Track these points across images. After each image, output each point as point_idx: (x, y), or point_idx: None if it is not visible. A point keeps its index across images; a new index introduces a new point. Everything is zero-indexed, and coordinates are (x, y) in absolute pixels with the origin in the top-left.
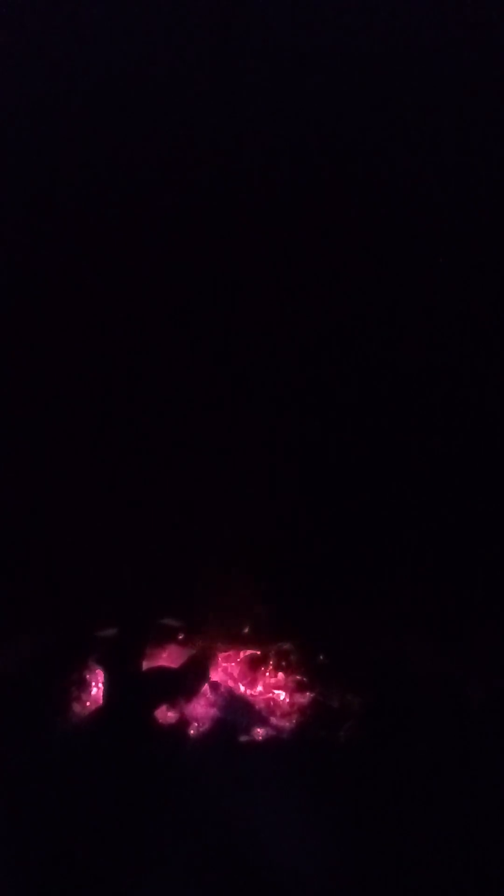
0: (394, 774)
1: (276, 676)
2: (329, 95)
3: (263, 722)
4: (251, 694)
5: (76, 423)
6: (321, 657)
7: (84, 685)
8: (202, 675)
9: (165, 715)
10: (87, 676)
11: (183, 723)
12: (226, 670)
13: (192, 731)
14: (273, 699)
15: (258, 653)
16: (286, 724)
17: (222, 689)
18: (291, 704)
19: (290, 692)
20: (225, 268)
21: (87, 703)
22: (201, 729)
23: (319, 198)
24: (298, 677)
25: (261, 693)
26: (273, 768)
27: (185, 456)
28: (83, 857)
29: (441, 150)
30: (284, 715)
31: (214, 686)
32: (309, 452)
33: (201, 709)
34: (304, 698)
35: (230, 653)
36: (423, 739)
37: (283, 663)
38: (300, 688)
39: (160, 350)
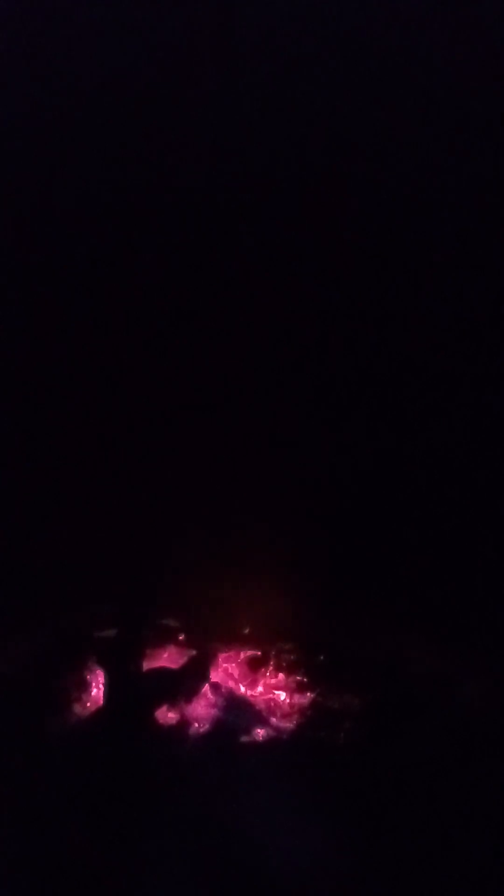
0: (394, 775)
1: (276, 677)
2: (330, 96)
3: (264, 723)
4: (252, 695)
5: (75, 423)
6: (322, 657)
7: (84, 685)
8: (202, 676)
9: (166, 716)
10: (87, 677)
11: (183, 723)
12: (226, 671)
13: (192, 732)
14: (274, 700)
15: (259, 653)
16: (287, 724)
17: (223, 690)
18: (292, 705)
19: (291, 693)
20: (224, 267)
21: (87, 704)
22: (201, 730)
23: (321, 199)
24: (299, 678)
25: (261, 694)
26: (274, 769)
27: (184, 456)
28: (83, 858)
29: (445, 152)
30: (285, 716)
31: (215, 686)
32: (309, 453)
33: (202, 709)
34: (305, 699)
35: (231, 653)
36: (423, 740)
37: (284, 664)
38: (301, 688)
39: (161, 348)
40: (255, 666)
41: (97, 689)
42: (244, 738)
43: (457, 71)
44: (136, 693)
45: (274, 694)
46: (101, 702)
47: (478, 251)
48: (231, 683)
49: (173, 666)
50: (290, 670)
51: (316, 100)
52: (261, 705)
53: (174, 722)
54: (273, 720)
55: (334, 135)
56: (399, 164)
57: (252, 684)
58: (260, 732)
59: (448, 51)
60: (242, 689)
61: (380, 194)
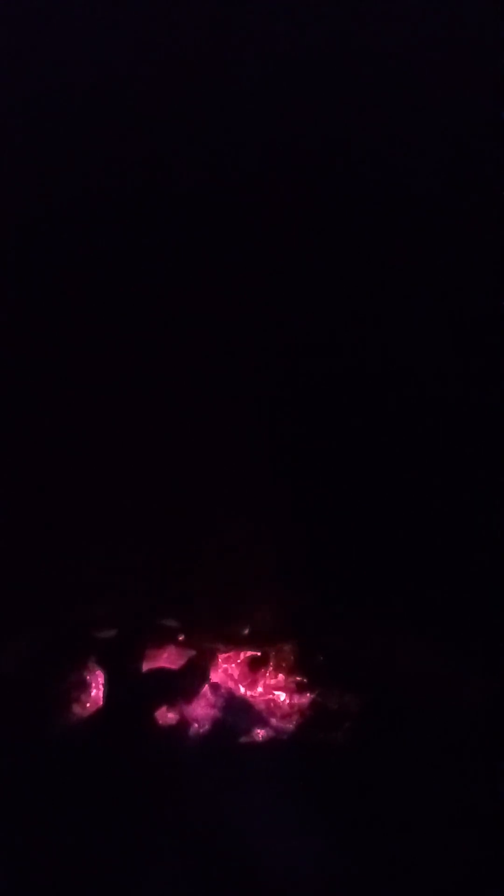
0: (393, 775)
1: (276, 678)
2: (328, 98)
3: (264, 723)
4: (251, 695)
5: (76, 424)
6: (321, 658)
7: (84, 686)
8: (202, 677)
9: (165, 716)
10: (87, 677)
11: (183, 724)
12: (226, 671)
13: (192, 733)
14: (273, 700)
15: (258, 654)
16: (286, 725)
17: (222, 691)
18: (291, 706)
19: (291, 693)
20: (222, 269)
21: (87, 705)
22: (201, 730)
23: (318, 201)
24: (299, 678)
25: (261, 694)
26: (273, 770)
27: (184, 457)
28: (83, 858)
29: (443, 154)
30: (285, 716)
31: (214, 687)
32: (307, 455)
33: (201, 710)
34: (305, 699)
35: (230, 654)
36: (422, 740)
37: (284, 664)
38: (300, 689)
39: (160, 350)
40: (255, 666)
41: (97, 690)
42: (244, 739)
43: (457, 72)
44: (137, 694)
45: (274, 694)
46: (102, 702)
47: (469, 252)
48: (231, 684)
49: (173, 666)
50: (289, 671)
51: (313, 101)
52: (261, 706)
53: (174, 722)
54: (273, 721)
55: (332, 137)
56: (398, 163)
57: (252, 685)
58: (260, 733)
59: (448, 51)
60: (242, 689)
61: (378, 195)
